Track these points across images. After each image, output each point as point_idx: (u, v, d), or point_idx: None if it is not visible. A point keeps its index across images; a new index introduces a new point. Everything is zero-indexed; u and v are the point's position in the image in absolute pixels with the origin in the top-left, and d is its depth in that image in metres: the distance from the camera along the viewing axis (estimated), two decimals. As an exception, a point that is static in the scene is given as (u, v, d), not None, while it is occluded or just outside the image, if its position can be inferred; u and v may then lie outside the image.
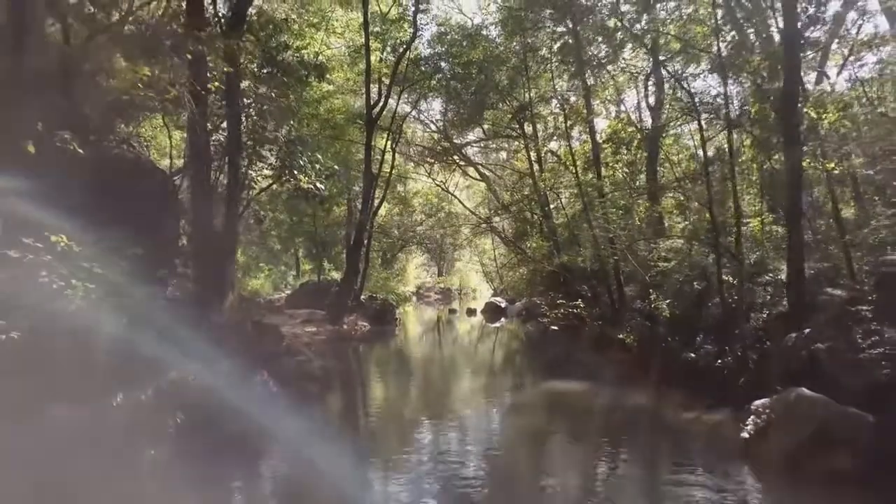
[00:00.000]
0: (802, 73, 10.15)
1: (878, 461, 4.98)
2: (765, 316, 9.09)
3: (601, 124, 20.52)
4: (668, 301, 10.24)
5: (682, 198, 11.75)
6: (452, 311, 28.75)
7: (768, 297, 9.53)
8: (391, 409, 9.11)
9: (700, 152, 12.35)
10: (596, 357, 11.57)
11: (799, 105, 8.58)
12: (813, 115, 8.78)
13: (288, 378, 8.12)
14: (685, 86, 11.90)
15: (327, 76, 14.75)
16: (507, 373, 12.45)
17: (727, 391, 7.55)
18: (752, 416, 5.79)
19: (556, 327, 15.52)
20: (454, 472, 5.66)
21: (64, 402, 4.83)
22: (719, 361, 8.64)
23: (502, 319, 23.29)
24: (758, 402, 5.95)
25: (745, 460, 5.53)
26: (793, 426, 5.36)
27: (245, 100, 9.75)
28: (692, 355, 8.92)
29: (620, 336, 10.63)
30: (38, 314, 4.61)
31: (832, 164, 8.50)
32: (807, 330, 6.78)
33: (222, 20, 10.02)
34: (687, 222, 11.04)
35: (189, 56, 8.36)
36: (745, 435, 5.71)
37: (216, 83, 8.91)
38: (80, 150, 6.30)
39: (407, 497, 5.14)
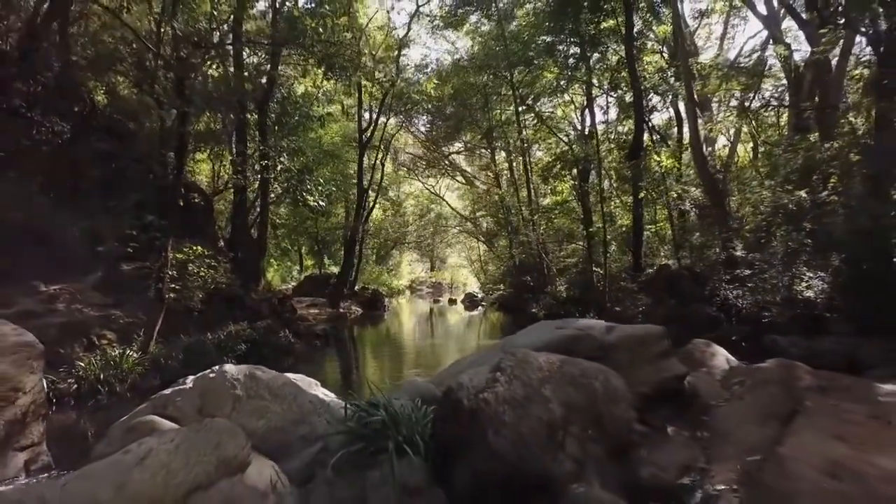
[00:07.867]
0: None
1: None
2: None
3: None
4: (566, 286, 14.45)
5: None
6: (437, 301, 32.96)
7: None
8: (372, 348, 14.13)
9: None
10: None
11: (642, 153, 12.76)
12: (657, 158, 12.96)
13: (301, 334, 12.37)
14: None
15: (327, 107, 18.91)
16: (455, 336, 16.75)
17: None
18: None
19: (509, 309, 19.72)
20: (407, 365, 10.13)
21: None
22: (592, 326, 12.90)
23: (479, 307, 27.18)
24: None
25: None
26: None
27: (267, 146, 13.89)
28: (574, 322, 13.14)
29: (534, 311, 14.85)
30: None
31: (657, 195, 12.68)
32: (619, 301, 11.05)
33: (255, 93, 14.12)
34: (584, 230, 15.23)
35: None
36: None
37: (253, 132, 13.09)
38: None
39: (381, 373, 9.60)
